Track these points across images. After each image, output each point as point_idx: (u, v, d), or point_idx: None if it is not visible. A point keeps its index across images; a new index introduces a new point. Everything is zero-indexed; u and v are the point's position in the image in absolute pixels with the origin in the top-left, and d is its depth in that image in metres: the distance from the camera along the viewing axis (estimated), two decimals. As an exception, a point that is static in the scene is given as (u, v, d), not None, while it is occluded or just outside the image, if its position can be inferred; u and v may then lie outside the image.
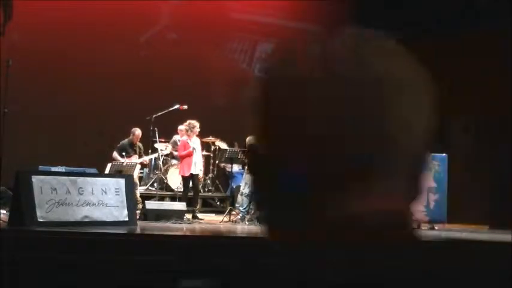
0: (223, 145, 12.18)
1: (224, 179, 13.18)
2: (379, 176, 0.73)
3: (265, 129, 0.77)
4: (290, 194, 0.74)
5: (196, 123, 10.62)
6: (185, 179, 10.74)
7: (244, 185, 10.73)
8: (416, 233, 0.80)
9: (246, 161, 10.85)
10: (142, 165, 12.00)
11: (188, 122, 10.72)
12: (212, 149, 12.77)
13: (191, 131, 10.65)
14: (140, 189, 11.58)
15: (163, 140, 12.21)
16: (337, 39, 0.75)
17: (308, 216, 0.74)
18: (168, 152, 12.33)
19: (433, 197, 11.13)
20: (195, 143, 10.74)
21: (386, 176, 0.73)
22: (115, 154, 11.27)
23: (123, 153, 11.29)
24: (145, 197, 11.18)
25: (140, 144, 11.62)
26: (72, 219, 7.66)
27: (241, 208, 10.51)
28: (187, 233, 8.75)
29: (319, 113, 0.72)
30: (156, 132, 11.93)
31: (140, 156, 11.55)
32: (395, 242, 0.75)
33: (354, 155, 0.71)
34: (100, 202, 8.01)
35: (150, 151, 12.07)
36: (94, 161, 10.50)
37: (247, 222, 10.24)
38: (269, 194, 0.77)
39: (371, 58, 0.74)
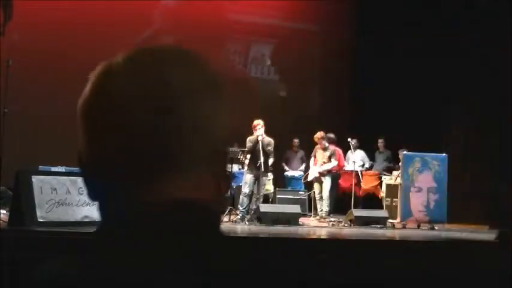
0: None
1: (224, 179, 13.17)
2: (179, 169, 0.86)
3: (87, 137, 0.90)
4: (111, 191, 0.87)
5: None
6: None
7: (244, 184, 10.73)
8: (220, 227, 0.90)
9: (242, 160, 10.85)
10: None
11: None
12: (212, 149, 12.76)
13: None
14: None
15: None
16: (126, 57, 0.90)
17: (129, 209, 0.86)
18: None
19: (433, 197, 11.13)
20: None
21: (186, 169, 0.86)
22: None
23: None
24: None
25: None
26: (72, 219, 7.65)
27: (241, 208, 10.51)
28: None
29: (126, 119, 0.85)
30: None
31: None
32: (198, 232, 0.85)
33: (156, 152, 0.85)
34: (100, 202, 7.99)
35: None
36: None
37: (247, 222, 10.24)
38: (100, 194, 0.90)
39: (162, 69, 0.87)
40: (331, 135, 12.26)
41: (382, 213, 11.31)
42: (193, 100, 0.86)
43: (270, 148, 10.55)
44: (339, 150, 12.54)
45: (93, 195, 0.92)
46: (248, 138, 10.67)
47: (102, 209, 0.90)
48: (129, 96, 0.85)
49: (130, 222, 0.84)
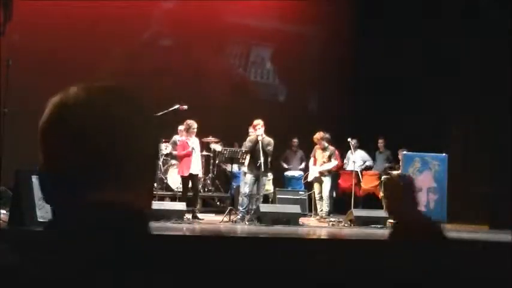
0: (218, 148, 12.14)
1: (224, 179, 13.18)
2: (121, 180, 1.07)
3: (44, 153, 1.14)
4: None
5: (193, 123, 10.59)
6: (184, 179, 10.73)
7: (244, 185, 10.73)
8: (149, 224, 1.09)
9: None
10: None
11: (185, 122, 10.71)
12: (212, 149, 12.76)
13: (188, 131, 10.64)
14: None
15: (163, 140, 12.20)
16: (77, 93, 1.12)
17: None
18: (168, 152, 12.32)
19: (433, 197, 11.13)
20: (194, 143, 10.74)
21: (124, 179, 1.07)
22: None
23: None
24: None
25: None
26: (72, 219, 7.65)
27: (241, 208, 10.51)
28: (187, 233, 8.75)
29: (76, 141, 1.07)
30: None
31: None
32: (129, 228, 1.05)
33: (100, 165, 1.06)
34: (100, 202, 7.99)
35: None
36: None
37: (247, 222, 10.25)
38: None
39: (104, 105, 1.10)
40: (327, 135, 12.24)
41: (382, 213, 11.28)
42: (129, 127, 1.09)
43: (270, 148, 10.54)
44: (336, 150, 12.54)
45: (47, 199, 1.12)
46: (248, 138, 10.67)
47: (53, 212, 1.11)
48: (79, 123, 1.08)
49: (74, 222, 1.05)
